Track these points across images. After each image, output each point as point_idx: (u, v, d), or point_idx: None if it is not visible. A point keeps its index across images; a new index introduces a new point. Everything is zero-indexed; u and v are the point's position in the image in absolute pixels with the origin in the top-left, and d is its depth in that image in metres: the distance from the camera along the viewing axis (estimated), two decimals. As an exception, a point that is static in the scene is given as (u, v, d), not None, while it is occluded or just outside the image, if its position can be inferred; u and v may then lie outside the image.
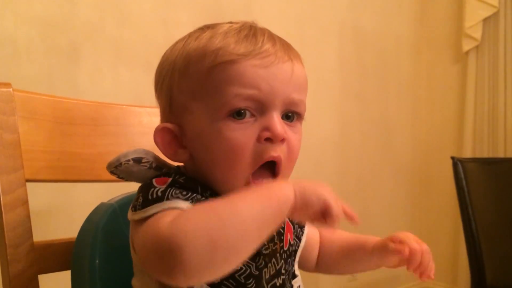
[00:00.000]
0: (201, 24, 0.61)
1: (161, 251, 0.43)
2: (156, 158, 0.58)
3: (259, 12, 1.98)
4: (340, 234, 0.71)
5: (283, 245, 0.59)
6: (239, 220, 0.44)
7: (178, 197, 0.50)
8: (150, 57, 1.62)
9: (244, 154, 0.53)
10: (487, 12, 2.39)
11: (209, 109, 0.53)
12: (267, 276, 0.55)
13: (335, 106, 2.32)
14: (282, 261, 0.58)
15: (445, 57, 2.69)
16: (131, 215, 0.52)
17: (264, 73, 0.53)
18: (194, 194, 0.52)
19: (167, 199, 0.50)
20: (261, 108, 0.54)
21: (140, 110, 0.82)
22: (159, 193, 0.50)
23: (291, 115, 0.57)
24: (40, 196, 1.38)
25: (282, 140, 0.54)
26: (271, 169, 0.55)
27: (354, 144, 2.40)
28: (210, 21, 0.62)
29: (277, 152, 0.53)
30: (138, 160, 0.56)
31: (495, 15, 2.40)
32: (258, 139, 0.53)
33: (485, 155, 2.42)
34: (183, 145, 0.57)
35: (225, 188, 0.53)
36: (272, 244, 0.57)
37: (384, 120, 2.56)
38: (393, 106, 2.61)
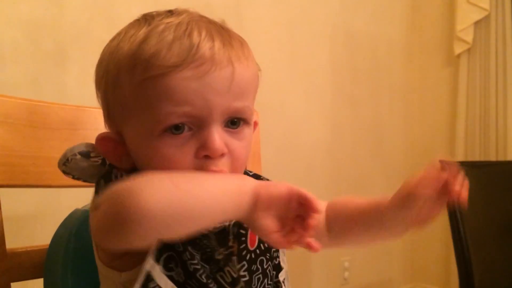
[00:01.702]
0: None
1: (118, 197, 0.42)
2: None
3: (250, 16, 1.97)
4: (347, 201, 0.65)
5: (246, 246, 0.56)
6: (200, 183, 0.47)
7: None
8: (138, 60, 1.61)
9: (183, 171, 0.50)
10: (478, 15, 2.40)
11: (143, 125, 0.51)
12: (226, 279, 0.53)
13: (327, 110, 2.32)
14: (244, 262, 0.55)
15: (436, 60, 2.69)
16: (93, 204, 0.50)
17: (197, 86, 0.49)
18: None
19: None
20: (198, 122, 0.50)
21: (119, 114, 0.81)
22: (124, 175, 0.49)
23: (237, 121, 0.53)
24: (27, 199, 1.37)
25: (222, 154, 0.51)
26: None
27: (346, 147, 2.40)
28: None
29: (218, 166, 0.51)
30: (85, 155, 0.54)
31: (486, 18, 2.40)
32: (196, 156, 0.50)
33: (476, 157, 2.42)
34: (127, 152, 0.54)
35: None
36: (224, 249, 0.54)
37: (376, 123, 2.56)
38: (385, 109, 2.61)
